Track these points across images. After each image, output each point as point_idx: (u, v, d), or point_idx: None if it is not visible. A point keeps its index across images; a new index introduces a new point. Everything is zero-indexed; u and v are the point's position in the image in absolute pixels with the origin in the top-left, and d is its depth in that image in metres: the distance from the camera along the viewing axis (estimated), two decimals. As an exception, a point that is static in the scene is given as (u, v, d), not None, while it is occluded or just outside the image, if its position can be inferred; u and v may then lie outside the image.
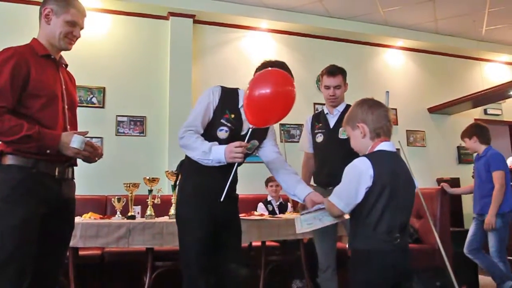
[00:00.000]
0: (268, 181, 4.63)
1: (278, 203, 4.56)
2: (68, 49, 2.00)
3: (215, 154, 2.02)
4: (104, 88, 4.93)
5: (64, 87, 1.97)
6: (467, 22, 6.17)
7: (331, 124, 2.94)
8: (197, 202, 2.13)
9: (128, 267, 3.68)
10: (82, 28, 2.02)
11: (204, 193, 2.13)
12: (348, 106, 3.00)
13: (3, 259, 1.67)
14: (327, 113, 2.99)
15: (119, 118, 4.95)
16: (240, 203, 4.24)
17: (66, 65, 2.10)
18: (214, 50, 5.54)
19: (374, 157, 1.72)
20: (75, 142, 1.82)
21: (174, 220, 3.01)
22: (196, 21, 5.41)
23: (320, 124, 2.96)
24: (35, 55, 1.88)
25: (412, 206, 1.81)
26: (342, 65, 6.38)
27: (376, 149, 1.77)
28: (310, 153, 3.01)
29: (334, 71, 2.92)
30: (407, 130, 6.34)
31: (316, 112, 3.06)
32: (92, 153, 1.91)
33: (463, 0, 5.50)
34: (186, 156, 2.22)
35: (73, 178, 2.01)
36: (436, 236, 3.65)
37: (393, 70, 6.50)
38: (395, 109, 6.23)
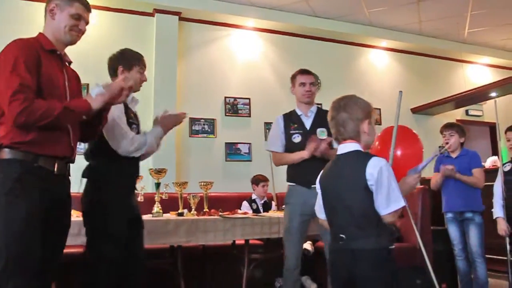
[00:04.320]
0: (260, 181, 4.62)
1: (262, 201, 4.58)
2: (74, 42, 2.01)
3: None
4: (87, 85, 4.88)
5: (67, 84, 1.96)
6: (450, 24, 6.28)
7: (308, 126, 3.00)
8: None
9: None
10: (87, 22, 2.04)
11: None
12: (319, 108, 3.07)
13: (12, 251, 1.66)
14: (300, 114, 3.04)
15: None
16: (224, 201, 4.29)
17: (70, 62, 2.10)
18: (200, 48, 5.53)
19: None
20: (95, 90, 1.87)
21: (158, 218, 3.04)
22: (182, 19, 5.39)
23: (296, 125, 3.00)
24: (42, 49, 1.87)
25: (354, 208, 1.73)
26: (327, 64, 6.50)
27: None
28: (279, 153, 3.03)
29: (308, 70, 3.06)
30: (390, 130, 6.41)
31: (286, 112, 3.09)
32: (114, 89, 1.91)
33: (446, 2, 5.59)
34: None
35: (68, 174, 2.01)
36: (417, 235, 3.70)
37: (377, 70, 6.58)
38: (379, 109, 6.31)
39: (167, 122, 2.58)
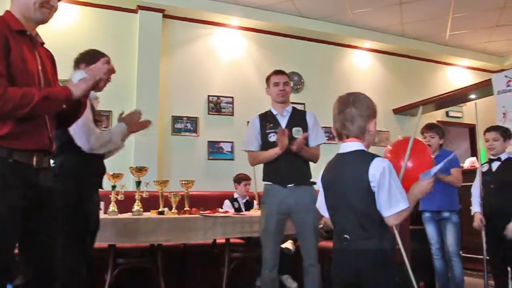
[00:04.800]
0: (242, 179, 4.62)
1: (244, 200, 4.58)
2: (46, 20, 1.79)
3: None
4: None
5: (40, 67, 1.78)
6: (432, 27, 6.37)
7: (283, 125, 3.03)
8: None
9: (88, 264, 3.62)
10: None
11: None
12: (295, 109, 3.11)
13: None
14: (276, 114, 3.08)
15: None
16: (205, 200, 4.28)
17: (43, 43, 1.89)
18: (184, 46, 5.50)
19: None
20: (76, 75, 1.71)
21: (138, 216, 3.02)
22: (165, 16, 5.35)
23: (271, 125, 3.04)
24: (10, 30, 1.67)
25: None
26: (311, 64, 6.53)
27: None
28: (254, 151, 3.06)
29: (282, 71, 3.12)
30: (372, 130, 6.49)
31: (262, 113, 3.12)
32: (97, 73, 1.76)
33: (428, 4, 5.67)
34: None
35: (49, 167, 1.86)
36: (396, 234, 3.75)
37: (360, 70, 6.64)
38: (362, 110, 6.36)
39: (131, 121, 2.57)
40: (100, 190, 2.58)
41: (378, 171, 1.59)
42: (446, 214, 3.51)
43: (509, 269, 3.30)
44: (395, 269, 1.67)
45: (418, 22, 6.21)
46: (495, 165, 3.39)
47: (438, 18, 6.09)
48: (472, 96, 6.16)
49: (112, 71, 1.88)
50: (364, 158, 1.66)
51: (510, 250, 3.25)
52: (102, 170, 2.50)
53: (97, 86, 1.82)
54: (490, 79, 4.77)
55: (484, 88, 5.39)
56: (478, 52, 7.39)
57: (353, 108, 1.72)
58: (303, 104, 5.84)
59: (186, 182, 3.42)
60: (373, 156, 1.66)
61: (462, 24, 6.30)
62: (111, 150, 2.49)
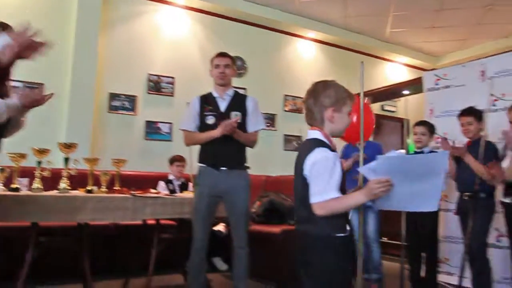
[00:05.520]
0: (174, 160, 4.59)
1: (180, 182, 4.55)
2: None
3: None
4: None
5: None
6: (374, 22, 6.58)
7: (222, 108, 3.05)
8: None
9: (9, 242, 3.47)
10: None
11: None
12: (237, 93, 3.13)
13: None
14: (216, 97, 3.07)
15: (14, 84, 4.54)
16: (140, 180, 4.21)
17: None
18: (125, 22, 5.30)
19: None
20: None
21: (63, 194, 2.91)
22: (106, -12, 5.12)
23: (211, 107, 3.04)
24: None
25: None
26: (255, 50, 6.53)
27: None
28: (191, 132, 3.06)
29: (224, 53, 3.12)
30: (311, 119, 6.65)
31: (203, 94, 3.12)
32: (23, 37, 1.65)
33: (371, 0, 5.84)
34: None
35: None
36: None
37: (304, 60, 6.74)
38: (302, 98, 6.49)
39: (26, 97, 2.25)
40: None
41: (311, 161, 1.65)
42: (368, 203, 3.70)
43: (423, 254, 3.55)
44: (340, 258, 1.66)
45: (361, 16, 6.39)
46: (418, 158, 3.60)
47: (380, 14, 6.30)
48: (406, 92, 6.48)
49: (40, 42, 1.77)
50: (309, 147, 1.69)
51: (424, 237, 3.50)
52: None
53: (24, 54, 1.71)
54: (420, 77, 5.02)
55: (416, 86, 5.67)
56: (415, 51, 7.74)
57: (312, 99, 1.76)
58: (245, 89, 5.86)
59: (117, 161, 3.34)
60: (316, 146, 1.69)
61: (402, 23, 6.56)
62: (12, 130, 2.27)
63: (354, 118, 3.15)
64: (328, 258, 1.65)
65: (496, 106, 3.91)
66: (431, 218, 3.43)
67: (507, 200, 3.11)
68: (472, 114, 3.32)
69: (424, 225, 3.45)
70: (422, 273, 3.54)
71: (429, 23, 6.52)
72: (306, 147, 1.73)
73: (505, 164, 3.10)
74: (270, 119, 6.20)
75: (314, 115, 1.76)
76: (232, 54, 3.23)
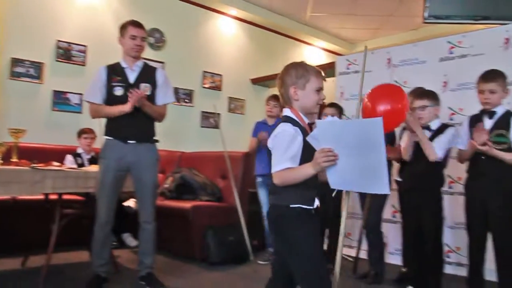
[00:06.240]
0: (82, 132, 4.39)
1: (89, 156, 4.37)
2: None
3: None
4: None
5: None
6: (295, 5, 6.69)
7: (131, 79, 2.96)
8: None
9: None
10: None
11: None
12: (146, 64, 3.04)
13: None
14: (125, 67, 2.97)
15: None
16: (46, 153, 3.97)
17: None
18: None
19: None
20: None
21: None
22: None
23: (119, 78, 2.93)
24: None
25: None
26: (174, 23, 6.38)
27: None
28: (97, 104, 2.93)
29: (141, 24, 2.99)
30: (229, 97, 6.69)
31: (111, 64, 2.99)
32: None
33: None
34: None
35: None
36: (235, 196, 3.99)
37: (224, 37, 6.70)
38: (221, 75, 6.51)
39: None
40: None
41: (274, 134, 1.75)
42: (258, 179, 3.87)
43: (327, 230, 3.78)
44: (304, 228, 1.73)
45: (283, -2, 6.46)
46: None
47: (301, -3, 6.42)
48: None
49: None
50: (278, 123, 1.81)
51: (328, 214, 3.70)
52: None
53: None
54: (333, 62, 5.24)
55: (330, 70, 5.91)
56: (333, 36, 8.04)
57: (279, 80, 1.85)
58: (163, 63, 5.71)
59: (15, 130, 3.10)
60: (282, 122, 1.79)
61: (322, 8, 6.75)
62: None
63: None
64: (293, 227, 1.72)
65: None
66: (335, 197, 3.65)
67: (399, 179, 3.38)
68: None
69: (327, 203, 3.65)
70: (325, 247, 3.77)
71: (347, 10, 6.77)
72: (278, 124, 1.84)
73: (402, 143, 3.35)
74: (188, 95, 6.12)
75: (283, 95, 1.85)
76: (150, 25, 3.14)
